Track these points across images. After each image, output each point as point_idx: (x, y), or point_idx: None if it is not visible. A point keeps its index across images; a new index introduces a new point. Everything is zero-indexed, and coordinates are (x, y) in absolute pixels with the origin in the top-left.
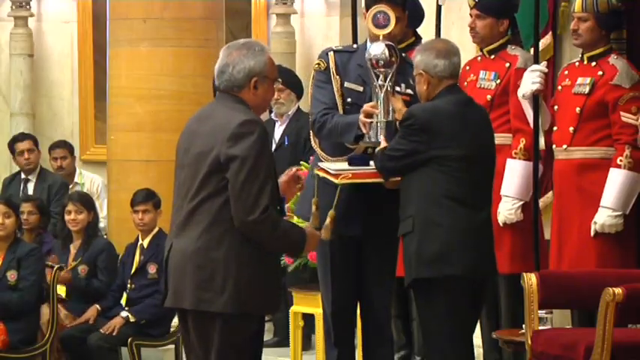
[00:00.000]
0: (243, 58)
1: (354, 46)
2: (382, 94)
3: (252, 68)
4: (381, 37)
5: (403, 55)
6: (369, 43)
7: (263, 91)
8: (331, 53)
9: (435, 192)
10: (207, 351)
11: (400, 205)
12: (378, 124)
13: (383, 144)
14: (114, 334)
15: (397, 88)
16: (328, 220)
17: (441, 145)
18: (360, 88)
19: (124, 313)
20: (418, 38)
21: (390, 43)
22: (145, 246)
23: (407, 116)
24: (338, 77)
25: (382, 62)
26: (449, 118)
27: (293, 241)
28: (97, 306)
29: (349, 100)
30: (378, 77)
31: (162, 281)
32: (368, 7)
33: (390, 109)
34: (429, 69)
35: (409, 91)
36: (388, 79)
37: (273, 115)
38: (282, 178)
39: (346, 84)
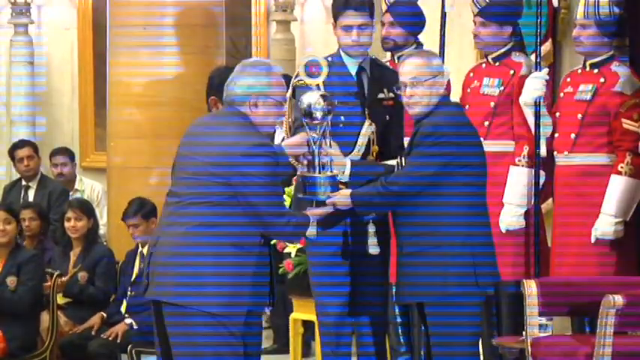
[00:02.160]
0: (245, 75)
1: (329, 59)
2: (316, 149)
3: (250, 85)
4: (314, 87)
5: (374, 58)
6: (302, 96)
7: (263, 111)
8: None
9: (460, 203)
10: (188, 347)
11: (414, 218)
12: (319, 179)
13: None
14: (117, 340)
15: (381, 95)
16: (371, 230)
17: (465, 155)
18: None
19: (127, 320)
20: (420, 45)
21: (324, 92)
22: (145, 254)
23: (432, 130)
24: None
25: (317, 114)
26: (466, 126)
27: (303, 229)
28: (103, 313)
29: (342, 118)
30: (312, 129)
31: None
32: (335, 17)
33: (328, 161)
34: (444, 75)
35: (391, 94)
36: (322, 132)
37: None
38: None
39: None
